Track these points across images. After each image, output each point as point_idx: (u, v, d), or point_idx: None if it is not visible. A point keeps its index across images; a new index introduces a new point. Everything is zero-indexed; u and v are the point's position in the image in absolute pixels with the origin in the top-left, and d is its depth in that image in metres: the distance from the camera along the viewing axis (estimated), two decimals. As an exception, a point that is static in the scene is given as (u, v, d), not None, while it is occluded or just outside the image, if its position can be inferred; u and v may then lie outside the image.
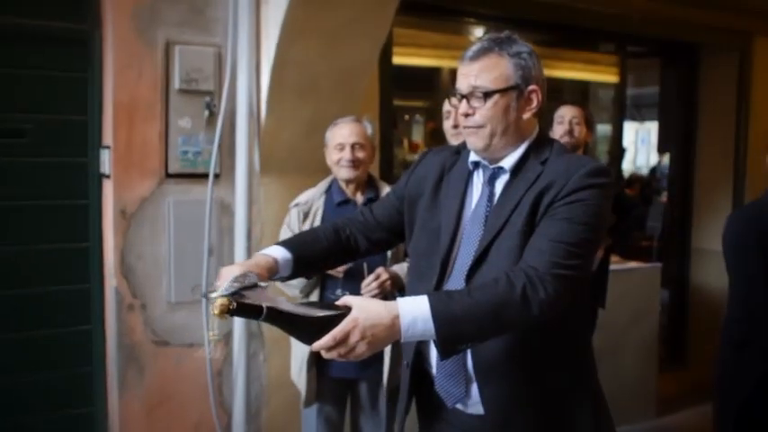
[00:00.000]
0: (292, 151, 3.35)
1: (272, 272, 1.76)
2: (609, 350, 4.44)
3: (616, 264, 4.53)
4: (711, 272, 5.42)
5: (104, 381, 3.26)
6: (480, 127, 1.71)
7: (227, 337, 3.35)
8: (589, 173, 1.64)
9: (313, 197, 2.88)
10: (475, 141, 1.73)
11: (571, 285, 1.58)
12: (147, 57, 3.10)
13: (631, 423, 4.60)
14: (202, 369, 3.27)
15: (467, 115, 1.72)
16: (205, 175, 3.21)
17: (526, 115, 1.73)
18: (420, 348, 1.82)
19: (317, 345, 1.49)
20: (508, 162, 1.74)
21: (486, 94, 1.68)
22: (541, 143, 1.76)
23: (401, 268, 2.76)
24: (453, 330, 1.50)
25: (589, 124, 3.61)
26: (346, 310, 1.50)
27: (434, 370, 1.79)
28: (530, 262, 1.58)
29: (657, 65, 5.76)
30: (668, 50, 5.48)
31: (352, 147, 2.77)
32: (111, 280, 3.14)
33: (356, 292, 2.66)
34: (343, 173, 2.80)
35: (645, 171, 9.50)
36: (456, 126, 2.61)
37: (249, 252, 3.27)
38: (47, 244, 3.14)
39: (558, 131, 3.54)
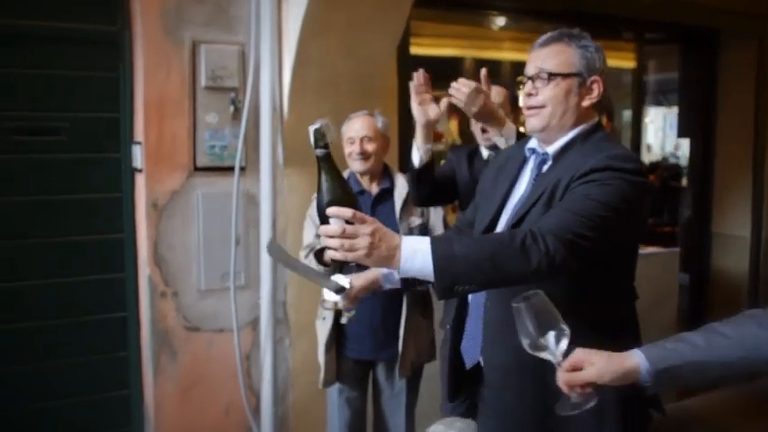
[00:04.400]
0: (314, 144, 3.48)
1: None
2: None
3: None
4: (731, 257, 5.47)
5: (139, 365, 3.43)
6: (541, 107, 1.81)
7: (254, 323, 3.51)
8: (612, 156, 1.70)
9: None
10: (534, 122, 1.83)
11: (575, 251, 1.59)
12: (174, 56, 3.24)
13: (651, 405, 4.68)
14: (232, 353, 3.42)
15: (530, 95, 1.83)
16: (231, 168, 3.35)
17: (585, 103, 1.82)
18: (460, 311, 1.94)
19: (327, 228, 1.52)
20: (553, 148, 1.84)
21: (550, 76, 1.80)
22: (591, 133, 1.83)
23: None
24: (450, 268, 1.53)
25: (609, 113, 3.68)
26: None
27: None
28: (537, 224, 1.65)
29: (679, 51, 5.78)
30: (687, 36, 5.50)
31: (362, 140, 2.91)
32: (145, 269, 3.30)
33: None
34: (355, 165, 2.94)
35: (673, 159, 9.42)
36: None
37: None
38: (84, 235, 3.31)
39: None
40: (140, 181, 3.30)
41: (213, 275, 3.40)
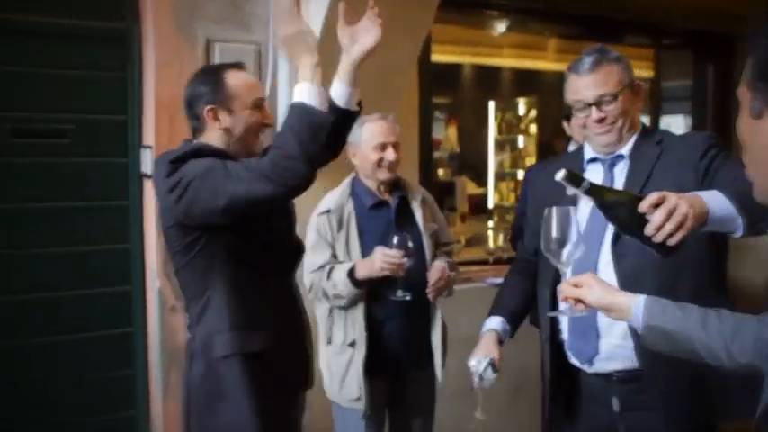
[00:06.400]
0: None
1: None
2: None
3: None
4: (749, 266, 5.36)
5: (146, 383, 3.22)
6: (613, 124, 1.99)
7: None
8: (708, 136, 1.99)
9: (341, 202, 2.72)
10: (608, 138, 2.00)
11: None
12: (187, 53, 3.06)
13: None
14: (245, 371, 3.22)
15: (601, 120, 1.97)
16: (246, 174, 3.15)
17: (638, 104, 2.05)
18: (554, 320, 2.05)
19: (656, 222, 1.54)
20: (626, 149, 2.02)
21: (614, 97, 1.96)
22: (647, 130, 2.07)
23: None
24: (746, 206, 1.62)
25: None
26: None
27: (565, 334, 2.03)
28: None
29: (688, 58, 5.67)
30: (702, 42, 5.40)
31: (394, 146, 2.66)
32: (155, 281, 3.10)
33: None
34: (382, 174, 2.67)
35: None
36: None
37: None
38: (88, 245, 3.11)
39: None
40: (150, 187, 3.10)
41: (225, 288, 3.20)
